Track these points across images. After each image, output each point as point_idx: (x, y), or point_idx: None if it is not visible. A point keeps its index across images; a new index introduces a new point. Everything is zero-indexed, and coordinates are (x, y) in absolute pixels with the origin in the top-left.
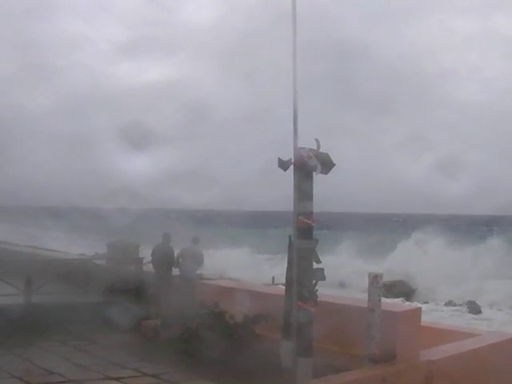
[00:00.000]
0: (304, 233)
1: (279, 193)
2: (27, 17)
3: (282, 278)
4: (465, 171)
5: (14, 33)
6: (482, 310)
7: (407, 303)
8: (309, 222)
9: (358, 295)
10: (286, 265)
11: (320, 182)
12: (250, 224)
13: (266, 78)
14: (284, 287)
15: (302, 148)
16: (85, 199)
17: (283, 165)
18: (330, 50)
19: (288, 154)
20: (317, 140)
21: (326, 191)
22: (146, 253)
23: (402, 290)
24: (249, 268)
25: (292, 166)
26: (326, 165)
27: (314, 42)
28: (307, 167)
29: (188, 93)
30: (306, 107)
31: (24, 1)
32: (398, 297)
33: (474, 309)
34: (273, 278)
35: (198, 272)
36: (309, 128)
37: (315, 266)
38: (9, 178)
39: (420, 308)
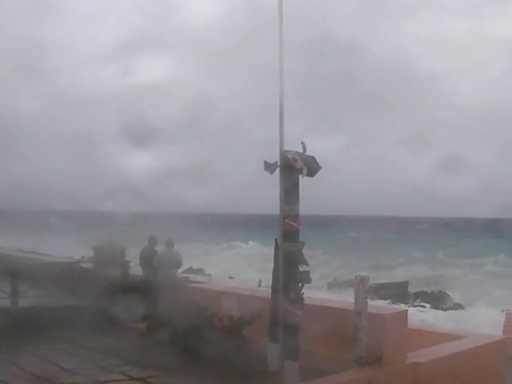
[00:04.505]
0: (290, 235)
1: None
2: (27, 13)
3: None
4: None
5: (14, 30)
6: None
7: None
8: (295, 224)
9: None
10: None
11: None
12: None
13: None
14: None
15: (288, 151)
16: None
17: (269, 168)
18: (324, 48)
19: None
20: (303, 143)
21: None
22: (133, 256)
23: None
24: None
25: (278, 169)
26: (312, 168)
27: (310, 40)
28: (293, 170)
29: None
30: (301, 105)
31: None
32: None
33: None
34: (259, 281)
35: (177, 275)
36: (301, 127)
37: (301, 268)
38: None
39: (406, 310)
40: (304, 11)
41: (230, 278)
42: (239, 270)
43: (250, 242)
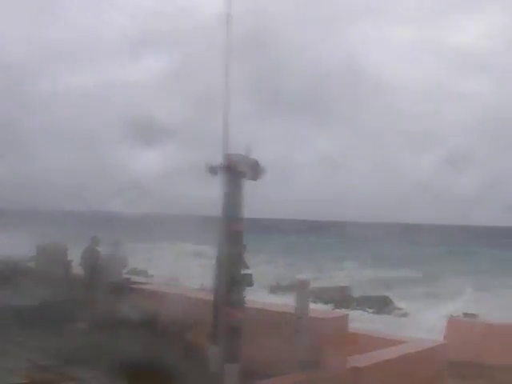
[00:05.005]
0: (233, 238)
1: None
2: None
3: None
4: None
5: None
6: None
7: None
8: (238, 227)
9: None
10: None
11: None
12: None
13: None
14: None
15: (232, 154)
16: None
17: (213, 170)
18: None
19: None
20: (247, 146)
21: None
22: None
23: None
24: None
25: (221, 172)
26: (256, 171)
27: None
28: (236, 173)
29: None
30: (240, 112)
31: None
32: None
33: None
34: (202, 284)
35: (121, 276)
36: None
37: (243, 271)
38: None
39: (347, 315)
40: (254, 14)
41: (172, 279)
42: (182, 272)
43: (193, 243)
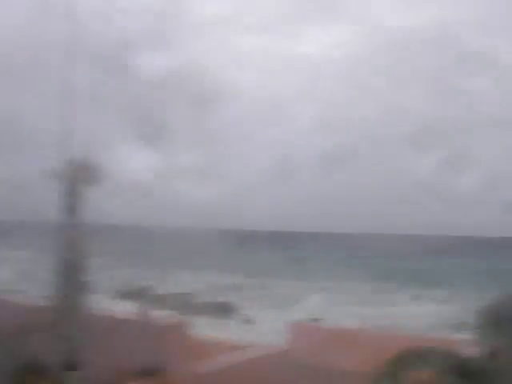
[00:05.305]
0: (72, 244)
1: None
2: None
3: None
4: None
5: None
6: None
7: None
8: (77, 233)
9: None
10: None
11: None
12: None
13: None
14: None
15: (71, 158)
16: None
17: (52, 175)
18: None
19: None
20: (87, 150)
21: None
22: None
23: None
24: None
25: (60, 177)
26: (95, 176)
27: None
28: (74, 178)
29: None
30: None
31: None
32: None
33: None
34: (40, 290)
35: None
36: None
37: (83, 277)
38: None
39: (189, 321)
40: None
41: (11, 287)
42: (22, 280)
43: (32, 250)
